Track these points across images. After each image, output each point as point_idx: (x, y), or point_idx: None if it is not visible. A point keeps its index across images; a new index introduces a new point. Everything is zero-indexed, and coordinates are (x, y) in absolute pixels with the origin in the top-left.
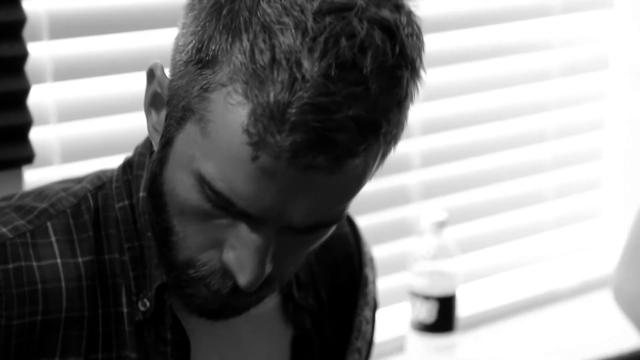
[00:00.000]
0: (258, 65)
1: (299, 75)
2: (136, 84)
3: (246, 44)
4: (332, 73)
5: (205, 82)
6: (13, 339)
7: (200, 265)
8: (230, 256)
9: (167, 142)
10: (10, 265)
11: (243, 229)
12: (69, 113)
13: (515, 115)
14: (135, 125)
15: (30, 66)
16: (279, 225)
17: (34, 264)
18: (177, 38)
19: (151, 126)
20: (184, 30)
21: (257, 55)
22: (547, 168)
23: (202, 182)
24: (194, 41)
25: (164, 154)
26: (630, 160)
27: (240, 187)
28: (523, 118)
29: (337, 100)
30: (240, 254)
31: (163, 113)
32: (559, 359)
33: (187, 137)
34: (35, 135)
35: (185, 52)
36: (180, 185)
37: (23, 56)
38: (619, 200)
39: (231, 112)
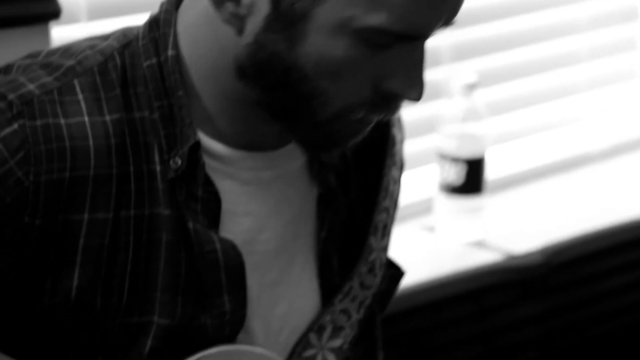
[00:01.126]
0: None
1: None
2: None
3: None
4: None
5: None
6: (42, 194)
7: (360, 106)
8: (394, 82)
9: (298, 19)
10: (38, 122)
11: (405, 52)
12: None
13: None
14: None
15: None
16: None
17: (62, 121)
18: None
19: (229, 15)
20: None
21: None
22: (582, 29)
23: (373, 33)
24: None
25: (296, 31)
26: None
27: (421, 18)
28: None
29: None
30: (405, 75)
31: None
32: (589, 222)
33: (335, 5)
34: None
35: None
36: (334, 49)
37: None
38: None
39: None
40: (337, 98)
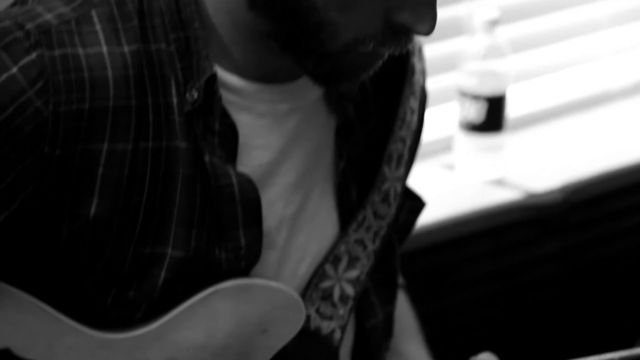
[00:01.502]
0: None
1: None
2: None
3: None
4: None
5: None
6: (61, 124)
7: (369, 39)
8: (404, 15)
9: None
10: (57, 52)
11: None
12: None
13: None
14: None
15: None
16: None
17: (80, 51)
18: None
19: None
20: None
21: None
22: None
23: None
24: None
25: None
26: None
27: None
28: None
29: None
30: (416, 7)
31: None
32: (609, 160)
33: None
34: None
35: None
36: None
37: None
38: None
39: None
40: (346, 29)
